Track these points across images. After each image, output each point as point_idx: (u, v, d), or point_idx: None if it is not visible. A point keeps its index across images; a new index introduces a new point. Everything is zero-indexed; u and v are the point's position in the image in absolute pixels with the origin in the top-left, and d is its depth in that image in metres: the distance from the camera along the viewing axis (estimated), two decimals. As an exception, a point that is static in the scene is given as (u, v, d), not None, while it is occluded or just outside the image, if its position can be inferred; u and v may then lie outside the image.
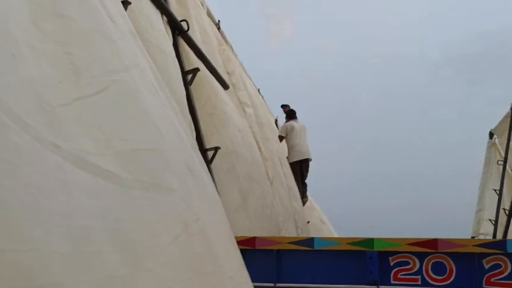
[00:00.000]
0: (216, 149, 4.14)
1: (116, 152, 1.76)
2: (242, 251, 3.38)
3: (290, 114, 9.32)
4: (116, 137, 1.82)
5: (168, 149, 2.10)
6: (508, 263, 3.03)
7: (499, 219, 8.45)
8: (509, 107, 8.95)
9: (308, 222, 9.60)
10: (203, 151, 4.10)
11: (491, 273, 3.05)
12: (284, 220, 6.99)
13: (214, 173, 4.14)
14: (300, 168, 9.02)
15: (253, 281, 3.36)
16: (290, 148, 8.99)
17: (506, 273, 3.04)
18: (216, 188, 4.02)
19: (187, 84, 4.26)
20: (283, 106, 11.11)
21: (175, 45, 4.33)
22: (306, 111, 11.18)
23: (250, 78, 8.86)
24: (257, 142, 6.74)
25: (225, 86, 5.79)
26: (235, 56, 7.86)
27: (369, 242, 3.19)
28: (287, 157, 9.14)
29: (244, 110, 6.70)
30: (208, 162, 4.09)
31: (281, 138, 9.33)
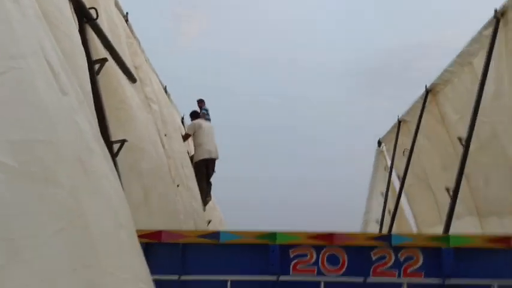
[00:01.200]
0: (123, 142, 4.06)
1: (7, 141, 1.75)
2: (148, 245, 3.38)
3: (196, 115, 9.36)
4: (8, 126, 1.80)
5: (60, 141, 2.07)
6: (392, 254, 3.38)
7: (384, 220, 9.25)
8: (397, 119, 9.82)
9: (209, 221, 9.69)
10: (109, 144, 3.99)
11: (377, 263, 3.38)
12: (185, 218, 7.02)
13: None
14: (206, 167, 9.07)
15: (158, 273, 3.36)
16: (197, 146, 9.01)
17: (390, 264, 3.38)
18: (121, 182, 3.96)
19: (94, 74, 4.12)
20: (199, 101, 11.12)
21: (83, 33, 4.17)
22: (212, 112, 11.25)
23: (157, 75, 8.74)
24: (161, 139, 6.70)
25: (133, 80, 5.68)
26: (142, 51, 7.71)
27: (272, 235, 3.36)
28: (192, 156, 9.15)
29: (150, 106, 6.62)
30: (114, 155, 3.99)
31: (187, 136, 9.32)
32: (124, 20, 6.58)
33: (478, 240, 3.40)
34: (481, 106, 6.26)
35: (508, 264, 3.36)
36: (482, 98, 6.19)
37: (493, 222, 6.67)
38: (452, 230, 7.49)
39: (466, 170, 6.91)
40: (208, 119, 10.85)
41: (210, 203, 9.98)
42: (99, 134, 3.36)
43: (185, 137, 9.57)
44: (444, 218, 7.54)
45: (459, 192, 7.05)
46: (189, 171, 9.05)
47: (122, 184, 3.88)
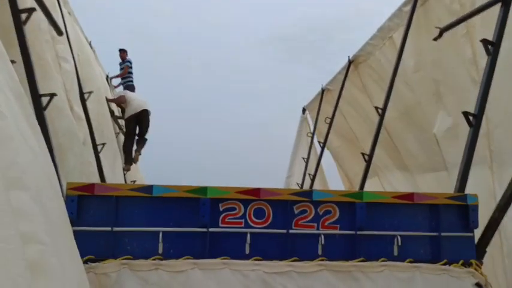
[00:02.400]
0: (52, 95, 3.98)
1: None
2: (80, 197, 3.43)
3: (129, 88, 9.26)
4: None
5: None
6: (313, 208, 3.70)
7: (304, 183, 9.79)
8: (321, 87, 10.26)
9: (134, 182, 9.67)
10: (37, 97, 3.91)
11: (299, 217, 3.68)
12: (107, 179, 6.96)
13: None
14: (136, 123, 9.01)
15: (91, 225, 3.45)
16: (127, 105, 8.92)
17: (310, 217, 3.70)
18: (49, 137, 3.91)
19: (21, 24, 3.96)
20: (121, 51, 10.84)
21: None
22: (136, 70, 11.06)
23: (82, 30, 8.39)
24: (69, 101, 6.49)
25: (59, 32, 5.47)
26: (66, 2, 7.34)
27: (203, 190, 3.53)
28: (123, 115, 9.04)
29: (59, 65, 6.36)
30: (43, 109, 3.91)
31: (122, 98, 9.28)
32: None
33: (386, 196, 3.81)
34: (404, 78, 6.80)
35: (410, 218, 3.81)
36: (405, 70, 6.72)
37: (415, 177, 7.40)
38: (385, 182, 8.23)
39: (392, 132, 7.59)
40: (131, 73, 10.71)
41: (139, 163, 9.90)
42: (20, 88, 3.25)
43: (119, 100, 9.46)
44: (375, 171, 8.29)
45: (389, 149, 7.76)
46: (109, 133, 8.92)
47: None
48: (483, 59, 4.68)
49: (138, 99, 9.11)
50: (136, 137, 9.22)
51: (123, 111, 9.59)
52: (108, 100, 9.21)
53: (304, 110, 11.68)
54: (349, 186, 10.00)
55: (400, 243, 3.68)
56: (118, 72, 10.91)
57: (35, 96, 3.89)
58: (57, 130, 5.23)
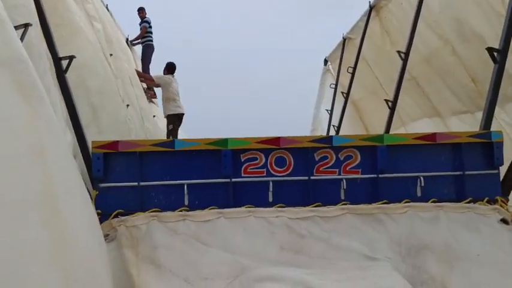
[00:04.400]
0: (71, 58, 4.03)
1: None
2: (105, 155, 3.54)
3: (170, 68, 9.25)
4: None
5: None
6: (333, 154, 3.71)
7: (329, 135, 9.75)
8: (342, 36, 10.04)
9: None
10: (57, 60, 3.97)
11: (320, 163, 3.71)
12: (137, 137, 7.10)
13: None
14: (178, 120, 9.10)
15: (118, 181, 3.57)
16: (170, 100, 8.96)
17: (331, 163, 3.72)
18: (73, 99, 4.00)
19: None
20: (139, 10, 10.79)
21: None
22: (156, 32, 11.03)
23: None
24: (106, 59, 6.57)
25: (76, -6, 5.48)
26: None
27: (224, 141, 3.58)
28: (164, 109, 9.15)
29: (92, 24, 6.41)
30: (63, 71, 3.99)
31: (151, 81, 9.34)
32: None
33: (407, 138, 3.78)
34: (427, 20, 6.58)
35: (432, 158, 3.78)
36: (429, 11, 6.49)
37: (447, 121, 7.28)
38: (415, 130, 8.13)
39: (418, 76, 7.43)
40: (150, 32, 10.68)
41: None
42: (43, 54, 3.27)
43: (149, 81, 9.53)
44: (401, 121, 8.19)
45: (417, 97, 7.62)
46: (139, 91, 9.03)
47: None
48: None
49: (179, 101, 9.10)
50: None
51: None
52: (139, 75, 9.32)
53: (326, 61, 11.49)
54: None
55: (423, 184, 3.68)
56: (138, 32, 10.88)
57: (55, 59, 3.95)
58: (89, 89, 5.31)
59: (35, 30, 3.69)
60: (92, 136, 3.96)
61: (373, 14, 8.44)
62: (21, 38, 3.21)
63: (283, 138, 3.65)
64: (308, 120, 11.13)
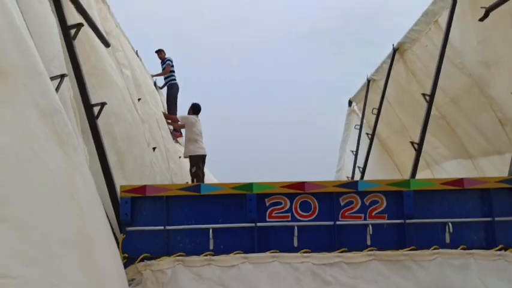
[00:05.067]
0: (103, 104, 4.19)
1: None
2: (133, 199, 3.61)
3: (195, 109, 9.52)
4: None
5: None
6: (359, 199, 3.69)
7: (354, 177, 9.67)
8: (366, 78, 10.11)
9: (187, 183, 9.90)
10: (89, 106, 4.13)
11: (345, 208, 3.69)
12: (162, 180, 7.21)
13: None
14: (201, 162, 9.25)
15: (144, 225, 3.63)
16: (192, 141, 9.15)
17: (356, 208, 3.70)
18: (101, 144, 4.12)
19: (71, 39, 4.20)
20: (158, 51, 11.11)
21: (57, -1, 4.23)
22: (179, 74, 11.32)
23: (128, 40, 8.73)
24: (134, 104, 6.77)
25: (106, 44, 5.73)
26: (112, 15, 7.69)
27: (249, 186, 3.62)
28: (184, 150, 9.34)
29: (121, 72, 6.66)
30: (95, 117, 4.13)
31: (176, 123, 9.59)
32: (93, -15, 6.55)
33: (434, 183, 3.74)
34: (453, 61, 6.60)
35: (461, 204, 3.72)
36: (454, 52, 6.52)
37: (478, 162, 7.16)
38: (442, 172, 8.01)
39: (447, 116, 7.38)
40: (173, 71, 10.96)
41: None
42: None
43: (175, 122, 9.78)
44: (426, 163, 8.09)
45: (445, 138, 7.54)
46: (166, 133, 9.22)
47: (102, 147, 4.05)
48: None
49: (202, 143, 9.30)
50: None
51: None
52: (166, 116, 9.56)
53: (350, 102, 11.54)
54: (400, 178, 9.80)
55: (451, 230, 3.61)
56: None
57: (87, 106, 4.11)
58: (116, 135, 5.47)
59: (66, 80, 3.87)
60: (117, 181, 4.05)
61: (397, 56, 8.51)
62: (57, 89, 3.38)
63: (308, 183, 3.66)
64: (333, 159, 11.12)
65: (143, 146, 6.57)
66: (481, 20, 5.57)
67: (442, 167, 8.13)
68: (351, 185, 3.74)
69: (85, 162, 2.74)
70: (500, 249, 3.53)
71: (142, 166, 6.25)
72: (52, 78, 3.41)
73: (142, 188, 3.64)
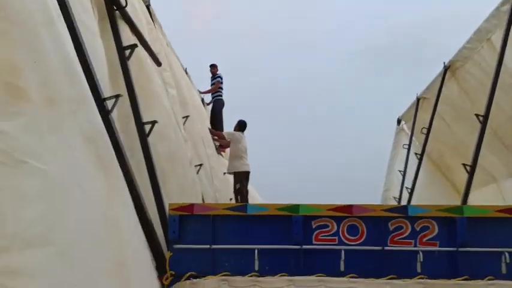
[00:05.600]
0: (154, 123, 4.31)
1: None
2: (181, 217, 3.67)
3: (241, 126, 9.65)
4: None
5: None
6: (409, 224, 3.59)
7: (402, 197, 9.42)
8: (416, 97, 9.89)
9: (231, 199, 9.96)
10: (140, 125, 4.25)
11: (394, 233, 3.60)
12: (205, 198, 7.25)
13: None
14: (245, 178, 9.32)
15: (191, 243, 3.67)
16: (237, 158, 9.24)
17: (406, 234, 3.59)
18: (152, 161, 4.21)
19: (125, 59, 4.36)
20: (212, 66, 11.29)
21: (113, 20, 4.40)
22: (228, 93, 11.47)
23: (178, 58, 8.95)
24: (178, 123, 6.88)
25: (158, 63, 5.91)
26: (164, 35, 7.91)
27: (295, 207, 3.60)
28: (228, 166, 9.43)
29: (167, 91, 6.79)
30: (146, 135, 4.25)
31: (223, 139, 9.73)
32: (145, 6, 6.79)
33: (489, 210, 3.58)
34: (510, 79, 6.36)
35: (518, 233, 3.55)
36: (508, 71, 6.28)
37: None
38: (503, 189, 7.69)
39: (504, 136, 7.10)
40: (221, 88, 11.09)
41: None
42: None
43: (220, 139, 9.92)
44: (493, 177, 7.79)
45: (501, 155, 7.26)
46: (211, 150, 9.32)
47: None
48: None
49: (247, 159, 9.38)
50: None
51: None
52: (211, 132, 9.70)
53: (399, 121, 11.29)
54: (457, 197, 9.38)
55: (508, 261, 3.43)
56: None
57: (139, 124, 4.23)
58: (160, 154, 5.59)
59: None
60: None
61: (448, 74, 8.29)
62: (112, 109, 3.50)
63: (356, 206, 3.60)
64: (379, 180, 10.88)
65: (186, 165, 6.64)
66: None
67: (505, 184, 7.77)
68: (401, 209, 3.66)
69: (126, 188, 2.82)
70: (562, 283, 3.32)
71: (184, 185, 6.32)
72: (106, 99, 3.55)
73: (190, 207, 3.70)
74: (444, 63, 8.32)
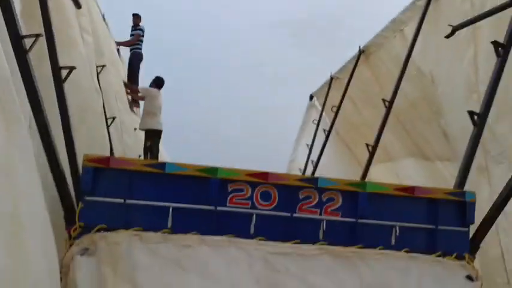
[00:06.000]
0: (72, 68, 4.09)
1: None
2: (96, 169, 3.58)
3: (158, 83, 9.31)
4: None
5: None
6: (317, 195, 3.84)
7: (307, 170, 9.94)
8: (329, 75, 10.33)
9: (140, 156, 9.80)
10: (57, 69, 4.02)
11: (303, 202, 3.84)
12: (115, 153, 7.09)
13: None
14: (157, 136, 9.11)
15: (105, 196, 3.61)
16: (151, 114, 9.00)
17: (314, 203, 3.85)
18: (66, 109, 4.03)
19: (46, 2, 4.06)
20: (135, 16, 10.84)
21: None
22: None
23: (97, 3, 8.44)
24: (91, 73, 6.58)
25: (78, 5, 5.55)
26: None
27: (214, 170, 3.68)
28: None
29: (82, 37, 6.43)
30: (62, 81, 4.03)
31: (137, 94, 9.39)
32: None
33: (388, 188, 3.96)
34: (412, 71, 6.88)
35: (409, 209, 3.97)
36: (413, 63, 6.79)
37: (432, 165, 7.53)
38: (399, 168, 8.37)
39: (405, 121, 7.71)
40: (141, 41, 10.74)
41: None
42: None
43: (135, 93, 9.57)
44: (389, 156, 8.43)
45: (401, 136, 7.90)
46: (123, 105, 9.05)
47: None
48: (485, 61, 4.81)
49: (160, 117, 9.15)
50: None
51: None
52: (126, 86, 9.34)
53: (311, 97, 11.76)
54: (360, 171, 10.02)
55: (398, 233, 3.84)
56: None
57: (55, 69, 4.00)
58: (71, 104, 5.31)
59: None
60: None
61: (362, 58, 8.75)
62: (30, 49, 3.28)
63: (272, 173, 3.77)
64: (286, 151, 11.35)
65: (97, 118, 6.41)
66: (447, 37, 5.86)
67: (400, 163, 8.51)
68: (312, 180, 3.89)
69: (28, 136, 2.69)
70: (439, 256, 3.80)
71: (95, 138, 6.12)
72: (25, 37, 3.31)
73: (107, 159, 3.62)
74: (360, 47, 8.75)
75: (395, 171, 8.41)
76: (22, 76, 3.27)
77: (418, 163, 7.90)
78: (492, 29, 5.07)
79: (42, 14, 3.98)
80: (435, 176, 7.12)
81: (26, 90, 3.30)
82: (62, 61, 4.27)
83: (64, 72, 4.12)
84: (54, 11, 4.71)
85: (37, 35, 3.33)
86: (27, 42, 3.34)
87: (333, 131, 9.32)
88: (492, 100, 4.48)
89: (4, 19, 3.16)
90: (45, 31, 4.03)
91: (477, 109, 4.47)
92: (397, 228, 3.85)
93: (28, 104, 3.34)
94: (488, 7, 5.14)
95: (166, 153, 11.87)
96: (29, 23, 3.91)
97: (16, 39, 3.19)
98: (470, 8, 5.61)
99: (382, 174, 8.03)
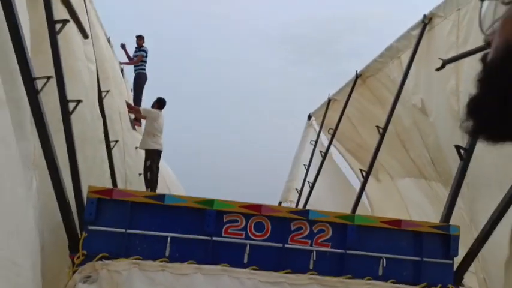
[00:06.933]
0: (78, 101, 4.33)
1: None
2: (99, 200, 3.79)
3: (160, 104, 9.56)
4: None
5: None
6: (308, 226, 4.05)
7: (303, 190, 10.12)
8: (327, 97, 10.55)
9: (140, 175, 10.01)
10: (65, 102, 4.24)
11: (295, 233, 4.04)
12: (117, 174, 7.22)
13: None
14: (157, 156, 9.32)
15: (108, 226, 3.81)
16: (151, 135, 9.22)
17: (305, 234, 4.05)
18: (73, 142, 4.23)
19: (55, 34, 4.29)
20: (138, 37, 11.13)
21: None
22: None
23: (102, 26, 8.68)
24: (93, 102, 6.71)
25: (85, 35, 5.80)
26: (91, 2, 7.63)
27: (210, 202, 3.89)
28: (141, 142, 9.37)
29: (88, 67, 6.60)
30: (69, 114, 4.25)
31: (139, 114, 9.62)
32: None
33: (376, 221, 4.16)
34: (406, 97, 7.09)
35: (396, 242, 4.17)
36: (410, 91, 7.01)
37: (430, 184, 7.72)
38: (400, 186, 8.56)
39: (405, 140, 7.91)
40: (145, 61, 10.99)
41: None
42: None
43: (137, 113, 9.80)
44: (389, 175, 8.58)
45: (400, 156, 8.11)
46: (126, 125, 9.27)
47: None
48: (466, 90, 5.01)
49: (161, 138, 9.38)
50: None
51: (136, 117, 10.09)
52: (128, 106, 9.58)
53: (309, 117, 11.97)
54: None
55: (385, 265, 4.03)
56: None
57: (63, 102, 4.22)
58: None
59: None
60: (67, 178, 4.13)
61: (359, 81, 8.98)
62: (41, 90, 3.50)
63: (265, 206, 3.98)
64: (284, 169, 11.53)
65: (95, 146, 6.49)
66: (438, 69, 6.08)
67: (399, 182, 8.69)
68: (303, 213, 4.10)
69: (10, 123, 2.92)
70: (424, 287, 3.99)
71: (92, 167, 6.19)
72: (37, 78, 3.53)
73: (110, 191, 3.84)
74: (356, 71, 8.99)
75: (396, 190, 8.62)
76: (33, 115, 3.49)
77: (415, 182, 8.10)
78: (472, 59, 5.27)
79: (52, 51, 4.20)
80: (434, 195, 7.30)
81: (37, 129, 3.52)
82: (68, 93, 4.50)
83: (71, 105, 4.34)
84: (63, 44, 4.96)
85: (48, 77, 3.56)
86: (39, 82, 3.56)
87: (329, 153, 9.53)
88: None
89: (17, 61, 3.39)
90: (54, 67, 4.24)
91: (465, 140, 4.65)
92: (384, 259, 4.05)
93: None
94: (471, 39, 5.35)
95: (168, 169, 12.05)
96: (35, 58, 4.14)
97: (28, 80, 3.41)
98: (455, 40, 5.83)
99: (382, 192, 8.21)
